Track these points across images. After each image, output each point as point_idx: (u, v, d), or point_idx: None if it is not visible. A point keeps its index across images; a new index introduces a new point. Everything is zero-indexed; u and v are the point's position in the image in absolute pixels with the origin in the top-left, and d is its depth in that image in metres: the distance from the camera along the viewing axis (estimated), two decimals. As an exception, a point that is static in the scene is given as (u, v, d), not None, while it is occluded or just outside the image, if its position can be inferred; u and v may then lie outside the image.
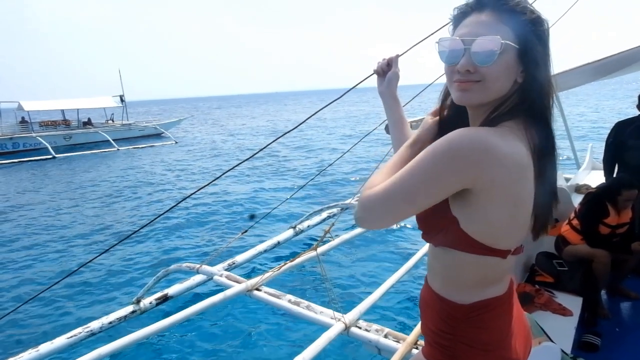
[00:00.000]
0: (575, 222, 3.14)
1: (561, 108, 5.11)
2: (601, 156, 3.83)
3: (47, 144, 18.43)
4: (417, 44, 1.50)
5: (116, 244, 2.65)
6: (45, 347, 2.84)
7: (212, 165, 14.43)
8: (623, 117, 3.73)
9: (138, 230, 2.69)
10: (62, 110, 24.16)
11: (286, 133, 2.26)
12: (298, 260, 3.48)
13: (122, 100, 25.82)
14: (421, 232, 0.97)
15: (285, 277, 4.57)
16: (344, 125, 26.83)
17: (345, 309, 2.85)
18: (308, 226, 5.52)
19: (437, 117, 1.07)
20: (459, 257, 0.91)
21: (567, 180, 4.72)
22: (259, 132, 26.36)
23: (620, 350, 2.57)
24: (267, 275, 3.32)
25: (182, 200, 2.63)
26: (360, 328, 2.69)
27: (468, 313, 0.94)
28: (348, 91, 1.86)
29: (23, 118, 22.40)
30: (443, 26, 0.97)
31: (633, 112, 3.63)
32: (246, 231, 4.48)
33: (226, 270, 3.87)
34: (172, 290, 3.74)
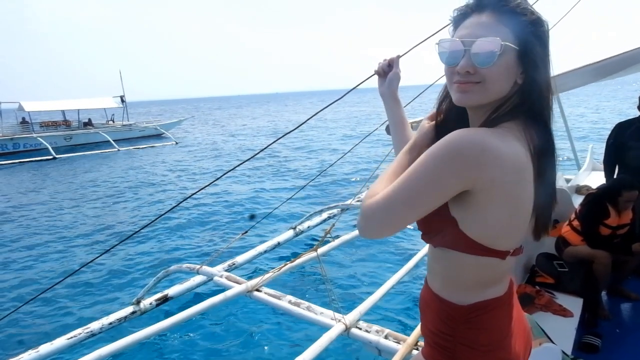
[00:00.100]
0: (575, 223, 3.14)
1: (562, 109, 5.11)
2: (601, 157, 3.83)
3: (47, 144, 18.43)
4: (417, 45, 1.50)
5: (117, 245, 2.66)
6: (45, 348, 2.85)
7: (213, 166, 14.44)
8: (623, 118, 3.72)
9: (139, 230, 2.69)
10: (63, 111, 24.18)
11: (287, 133, 2.26)
12: (298, 261, 3.48)
13: (122, 101, 25.84)
14: (421, 233, 0.97)
15: (286, 278, 4.57)
16: (345, 126, 26.84)
17: (345, 310, 2.85)
18: (308, 227, 5.52)
19: (434, 122, 1.06)
20: (459, 258, 0.91)
21: (568, 181, 4.72)
22: (260, 132, 26.37)
23: (620, 352, 2.57)
24: (267, 276, 3.32)
25: (182, 201, 2.63)
26: (360, 329, 2.69)
27: (468, 314, 0.94)
28: (349, 92, 1.86)
29: (24, 118, 22.42)
30: (444, 27, 0.97)
31: (633, 113, 3.63)
32: (246, 232, 4.48)
33: (226, 271, 3.87)
34: (172, 291, 3.74)
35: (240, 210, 8.59)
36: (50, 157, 17.27)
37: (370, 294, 3.13)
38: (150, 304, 3.58)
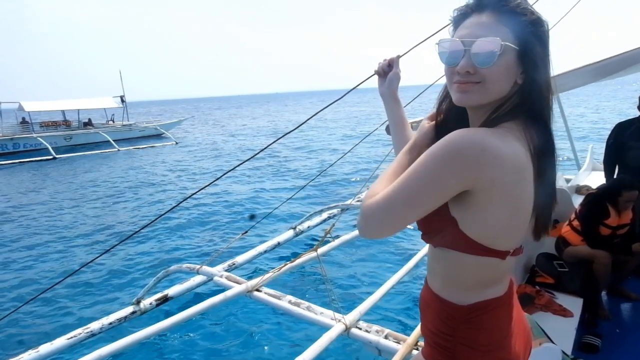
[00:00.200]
0: (575, 223, 3.14)
1: (562, 109, 5.11)
2: (601, 157, 3.83)
3: (47, 144, 18.43)
4: (417, 45, 1.50)
5: (117, 244, 2.66)
6: (45, 348, 2.84)
7: (213, 166, 14.44)
8: (623, 118, 3.72)
9: (139, 230, 2.70)
10: (63, 111, 24.18)
11: (287, 134, 2.26)
12: (298, 261, 3.48)
13: (122, 101, 25.84)
14: (421, 233, 0.97)
15: (286, 278, 4.57)
16: (345, 126, 26.84)
17: (345, 310, 2.85)
18: (308, 227, 5.52)
19: (434, 122, 1.06)
20: (458, 258, 0.91)
21: (568, 181, 4.72)
22: (260, 132, 26.37)
23: (620, 352, 2.57)
24: (267, 276, 3.32)
25: (183, 201, 2.63)
26: (360, 329, 2.69)
27: (467, 314, 0.94)
28: (349, 92, 1.86)
29: (24, 118, 22.43)
30: (444, 27, 0.97)
31: (634, 113, 3.63)
32: (246, 232, 4.48)
33: (226, 271, 3.87)
34: (172, 291, 3.74)
35: (240, 210, 8.59)
36: (50, 157, 17.27)
37: (370, 294, 3.13)
38: (150, 304, 3.58)
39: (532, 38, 0.84)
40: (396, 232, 0.85)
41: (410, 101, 2.22)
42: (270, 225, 7.13)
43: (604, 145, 3.73)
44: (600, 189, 3.17)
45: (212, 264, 3.87)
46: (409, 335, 2.50)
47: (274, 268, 3.50)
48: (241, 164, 2.43)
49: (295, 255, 3.74)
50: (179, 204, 2.76)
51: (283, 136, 2.26)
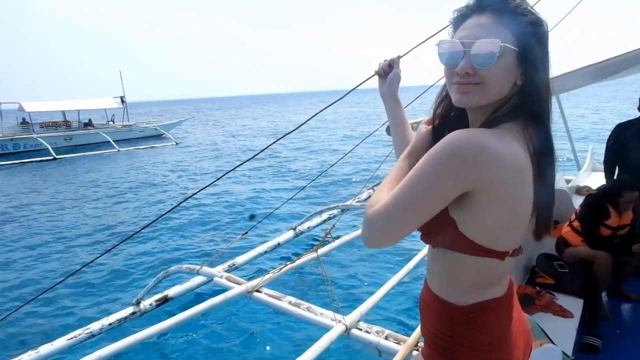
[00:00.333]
0: (576, 223, 3.13)
1: (562, 109, 5.11)
2: (602, 158, 3.83)
3: (47, 145, 18.42)
4: (418, 45, 1.50)
5: (117, 245, 2.66)
6: (45, 349, 2.84)
7: (213, 166, 14.44)
8: (624, 119, 3.73)
9: (139, 230, 2.70)
10: (63, 112, 24.20)
11: (287, 134, 2.27)
12: (299, 261, 3.48)
13: (122, 102, 25.86)
14: (420, 234, 0.97)
15: (286, 279, 4.57)
16: (345, 127, 26.84)
17: (345, 311, 2.85)
18: (308, 227, 5.52)
19: (431, 126, 1.06)
20: (458, 259, 0.91)
21: (568, 181, 4.72)
22: (260, 133, 26.38)
23: (620, 352, 2.57)
24: (267, 276, 3.32)
25: (183, 201, 2.64)
26: (360, 330, 2.69)
27: (467, 314, 0.94)
28: (349, 92, 1.86)
29: (24, 119, 22.43)
30: (444, 27, 0.98)
31: (634, 114, 3.63)
32: (246, 233, 4.49)
33: (226, 271, 3.87)
34: (172, 291, 3.74)
35: (240, 210, 8.59)
36: (51, 157, 17.27)
37: (370, 294, 3.14)
38: (150, 304, 3.58)
39: (532, 39, 0.84)
40: (399, 240, 0.84)
41: (411, 102, 2.22)
42: (270, 226, 7.13)
43: (604, 146, 3.72)
44: (601, 189, 3.17)
45: (212, 264, 3.87)
46: (409, 336, 2.50)
47: (274, 269, 3.51)
48: (241, 164, 2.43)
49: (296, 255, 3.75)
50: (179, 204, 2.76)
51: (283, 137, 2.26)
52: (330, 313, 2.84)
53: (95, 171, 14.31)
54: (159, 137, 24.62)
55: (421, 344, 2.40)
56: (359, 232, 4.70)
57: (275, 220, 7.38)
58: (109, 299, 4.87)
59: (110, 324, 3.27)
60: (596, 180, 4.86)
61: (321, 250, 3.67)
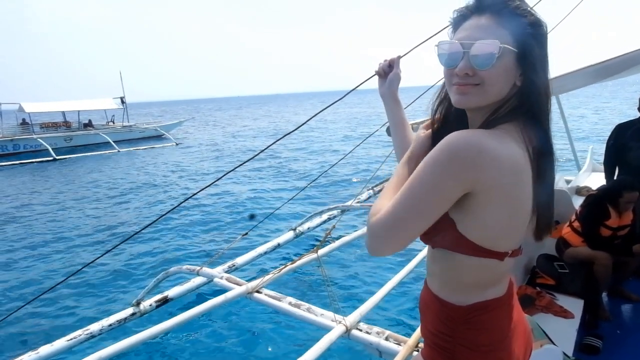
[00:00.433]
0: (576, 224, 3.13)
1: (562, 110, 5.11)
2: (602, 158, 3.82)
3: (47, 145, 18.42)
4: (418, 46, 1.51)
5: (118, 245, 2.66)
6: (45, 350, 2.84)
7: (214, 167, 14.44)
8: (624, 119, 3.72)
9: (139, 231, 2.70)
10: (63, 112, 24.22)
11: (287, 134, 2.27)
12: (299, 262, 3.48)
13: (122, 102, 25.88)
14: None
15: (286, 279, 4.56)
16: (345, 127, 26.84)
17: (346, 311, 2.85)
18: (308, 228, 5.51)
19: (429, 130, 1.05)
20: (457, 259, 0.91)
21: (568, 182, 4.71)
22: (261, 133, 26.38)
23: (621, 353, 2.57)
24: (267, 277, 3.32)
25: (183, 201, 2.63)
26: (361, 330, 2.68)
27: (466, 314, 0.94)
28: (349, 92, 1.86)
29: (24, 120, 22.45)
30: (444, 28, 0.98)
31: (634, 114, 3.63)
32: (247, 233, 4.48)
33: (226, 272, 3.87)
34: (172, 292, 3.74)
35: (240, 210, 8.59)
36: (51, 158, 17.28)
37: (370, 295, 3.13)
38: (150, 305, 3.57)
39: (531, 40, 0.84)
40: (404, 247, 0.84)
41: (411, 102, 2.22)
42: (270, 226, 7.13)
43: (604, 146, 3.72)
44: (601, 190, 3.17)
45: (212, 265, 3.87)
46: (409, 336, 2.50)
47: (274, 269, 3.51)
48: (242, 164, 2.43)
49: (296, 256, 3.75)
50: (179, 204, 2.76)
51: (283, 137, 2.26)
52: (330, 314, 2.83)
53: (95, 172, 14.31)
54: (159, 137, 24.63)
55: (422, 344, 2.40)
56: (359, 232, 4.70)
57: (275, 220, 7.38)
58: (109, 300, 4.87)
59: (110, 325, 3.27)
60: (596, 180, 4.85)
61: (321, 251, 3.67)
